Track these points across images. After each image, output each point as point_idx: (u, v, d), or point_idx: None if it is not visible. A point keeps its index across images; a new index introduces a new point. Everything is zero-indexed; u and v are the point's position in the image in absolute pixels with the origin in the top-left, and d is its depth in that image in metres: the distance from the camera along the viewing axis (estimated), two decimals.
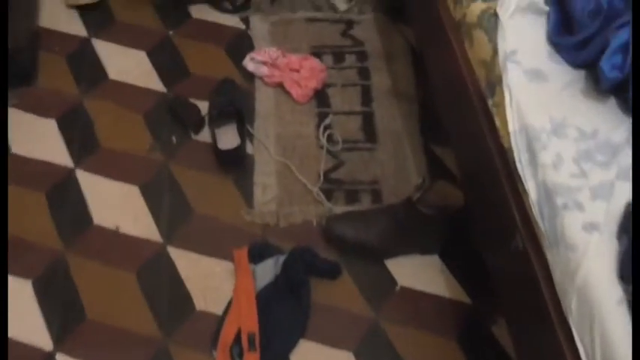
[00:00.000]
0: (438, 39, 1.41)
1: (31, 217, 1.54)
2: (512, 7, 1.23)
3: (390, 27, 1.99)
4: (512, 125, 1.10)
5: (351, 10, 2.02)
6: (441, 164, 1.69)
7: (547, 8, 1.24)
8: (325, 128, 1.73)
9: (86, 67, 1.84)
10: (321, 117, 1.76)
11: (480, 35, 1.24)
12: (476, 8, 1.27)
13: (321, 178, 1.64)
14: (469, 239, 1.46)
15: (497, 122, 1.16)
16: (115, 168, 1.64)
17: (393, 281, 1.49)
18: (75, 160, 1.65)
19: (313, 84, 1.78)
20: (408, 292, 1.48)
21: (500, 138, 1.15)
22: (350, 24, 1.99)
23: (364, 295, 1.47)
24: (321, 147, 1.70)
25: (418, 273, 1.51)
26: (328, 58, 1.89)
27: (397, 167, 1.68)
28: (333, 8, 2.02)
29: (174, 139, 1.70)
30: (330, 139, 1.72)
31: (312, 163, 1.67)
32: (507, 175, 1.14)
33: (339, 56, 1.90)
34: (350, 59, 1.90)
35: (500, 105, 1.15)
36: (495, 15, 1.23)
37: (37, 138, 1.68)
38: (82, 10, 1.96)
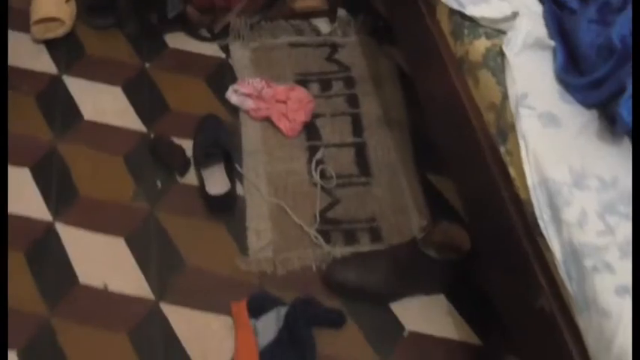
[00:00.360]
0: (437, 74, 1.34)
1: (10, 280, 1.43)
2: (518, 44, 1.16)
3: (375, 49, 1.91)
4: (531, 178, 1.04)
5: (335, 32, 1.94)
6: (440, 196, 1.63)
7: (553, 43, 1.19)
8: (317, 163, 1.66)
9: (58, 107, 1.73)
10: (312, 151, 1.68)
11: (486, 76, 1.18)
12: (480, 46, 1.20)
13: (317, 218, 1.56)
14: (478, 282, 1.41)
15: (512, 172, 1.10)
16: (97, 219, 1.54)
17: (399, 326, 1.43)
18: (53, 213, 1.54)
19: (302, 117, 1.70)
20: (415, 336, 1.42)
21: (515, 189, 1.09)
22: (334, 47, 1.91)
23: (371, 342, 1.41)
24: (315, 184, 1.62)
25: (425, 315, 1.45)
26: (315, 86, 1.81)
27: (394, 202, 1.62)
28: (316, 31, 1.94)
29: (158, 183, 1.61)
30: (323, 174, 1.64)
31: (307, 202, 1.60)
32: (525, 228, 1.08)
33: (325, 83, 1.82)
34: (337, 86, 1.82)
35: (514, 154, 1.09)
36: (501, 54, 1.17)
37: (10, 190, 1.56)
38: (49, 44, 1.84)
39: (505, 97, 1.13)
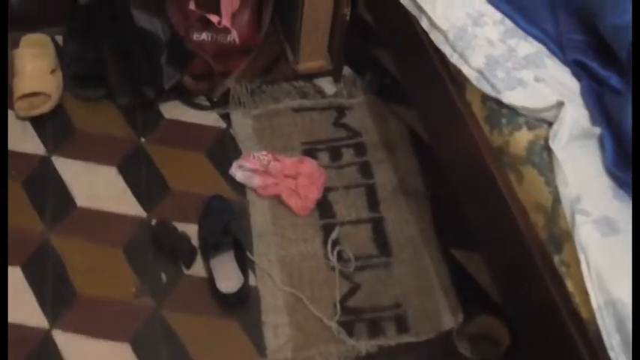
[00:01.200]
0: (469, 158, 1.23)
1: None
2: (565, 137, 1.06)
3: (384, 109, 1.81)
4: (595, 299, 0.93)
5: (340, 93, 1.83)
6: (466, 273, 1.53)
7: (599, 130, 1.09)
8: (334, 244, 1.54)
9: (49, 193, 1.59)
10: (327, 230, 1.57)
11: (531, 173, 1.07)
12: (521, 139, 1.10)
13: (338, 308, 1.44)
14: None
15: (570, 286, 0.99)
16: (98, 322, 1.40)
17: None
18: (50, 319, 1.40)
19: (314, 194, 1.58)
20: None
21: (574, 304, 0.99)
22: (341, 111, 1.80)
23: None
24: (332, 268, 1.51)
25: None
26: (324, 156, 1.70)
27: (419, 283, 1.51)
28: (321, 93, 1.83)
29: (163, 277, 1.47)
30: (340, 257, 1.53)
31: (325, 290, 1.48)
32: (587, 345, 0.98)
33: (335, 152, 1.71)
34: (348, 154, 1.71)
35: (572, 266, 0.98)
36: (547, 148, 1.07)
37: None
38: (35, 121, 1.70)
39: (556, 200, 1.02)
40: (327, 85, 1.85)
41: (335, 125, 1.77)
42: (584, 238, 0.97)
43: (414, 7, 1.37)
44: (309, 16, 1.67)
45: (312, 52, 1.78)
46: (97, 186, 1.61)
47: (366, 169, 1.69)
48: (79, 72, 1.74)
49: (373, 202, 1.63)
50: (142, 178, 1.63)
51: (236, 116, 1.75)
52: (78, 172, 1.63)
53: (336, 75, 1.84)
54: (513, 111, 1.13)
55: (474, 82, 1.20)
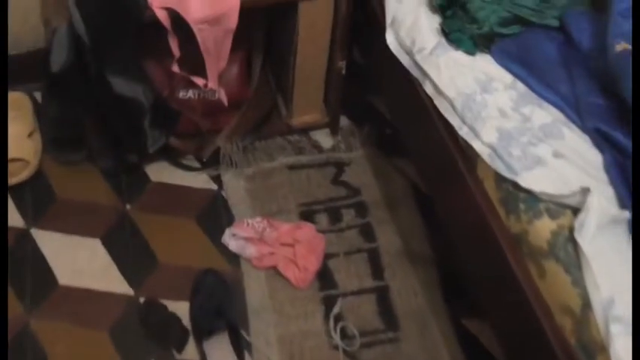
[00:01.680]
0: (484, 248, 1.12)
1: None
2: (592, 227, 0.95)
3: (385, 163, 1.70)
4: None
5: (338, 147, 1.73)
6: (479, 346, 1.42)
7: (628, 214, 0.99)
8: (336, 320, 1.43)
9: (28, 271, 1.47)
10: (328, 303, 1.46)
11: (555, 270, 0.97)
12: (543, 229, 0.99)
13: None
14: None
15: None
16: None
17: None
18: None
19: (314, 264, 1.47)
20: None
21: None
22: (340, 167, 1.69)
23: None
24: (336, 347, 1.40)
25: None
26: (323, 218, 1.59)
27: (429, 359, 1.40)
28: (317, 147, 1.72)
29: None
30: (344, 333, 1.42)
31: None
32: None
33: (334, 213, 1.60)
34: (348, 215, 1.60)
35: None
36: (572, 240, 0.96)
37: None
38: (13, 190, 1.58)
39: (586, 304, 0.91)
40: (323, 138, 1.75)
41: (333, 183, 1.66)
42: (623, 354, 0.86)
43: (417, 70, 1.27)
44: (302, 70, 1.57)
45: (307, 106, 1.68)
46: (80, 261, 1.50)
47: (368, 232, 1.58)
48: (59, 134, 1.63)
49: (377, 269, 1.52)
50: (128, 250, 1.52)
51: (228, 177, 1.64)
52: (59, 245, 1.51)
53: (332, 127, 1.74)
54: (533, 195, 1.03)
55: (487, 159, 1.10)
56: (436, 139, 1.22)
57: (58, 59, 1.31)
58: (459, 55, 1.23)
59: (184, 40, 1.36)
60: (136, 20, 1.30)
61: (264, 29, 1.66)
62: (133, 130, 1.47)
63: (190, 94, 1.58)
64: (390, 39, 1.32)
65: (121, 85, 1.36)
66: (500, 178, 1.08)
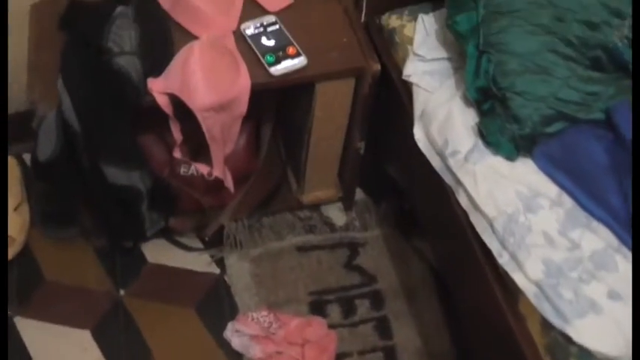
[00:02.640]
0: None
1: None
2: None
3: (404, 246, 1.56)
4: None
5: (352, 225, 1.59)
6: None
7: None
8: None
9: None
10: None
11: None
12: None
13: None
14: None
15: None
16: None
17: None
18: None
19: None
20: None
21: None
22: (354, 248, 1.55)
23: None
24: None
25: None
26: (335, 310, 1.45)
27: None
28: (330, 225, 1.58)
29: None
30: None
31: None
32: None
33: (348, 304, 1.46)
34: (362, 307, 1.46)
35: None
36: None
37: None
38: None
39: None
40: (336, 213, 1.60)
41: (347, 267, 1.52)
42: None
43: (450, 176, 1.12)
44: (317, 148, 1.42)
45: (320, 182, 1.54)
46: (68, 356, 1.36)
47: (384, 327, 1.44)
48: (48, 208, 1.49)
49: None
50: (120, 345, 1.38)
51: (231, 260, 1.50)
52: (45, 337, 1.37)
53: (346, 202, 1.60)
54: (586, 351, 0.89)
55: (532, 299, 0.96)
56: (470, 259, 1.08)
57: (46, 148, 1.17)
58: (498, 162, 1.09)
59: (187, 121, 1.22)
60: (134, 107, 1.17)
61: (276, 100, 1.52)
62: (129, 217, 1.34)
63: (192, 170, 1.44)
64: (419, 134, 1.18)
65: (117, 175, 1.22)
66: (547, 323, 0.94)
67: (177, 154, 1.27)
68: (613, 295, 0.94)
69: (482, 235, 1.05)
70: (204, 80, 1.15)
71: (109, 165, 1.20)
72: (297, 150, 1.49)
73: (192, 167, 1.45)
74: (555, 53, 1.12)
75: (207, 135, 1.21)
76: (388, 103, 1.31)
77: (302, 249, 1.54)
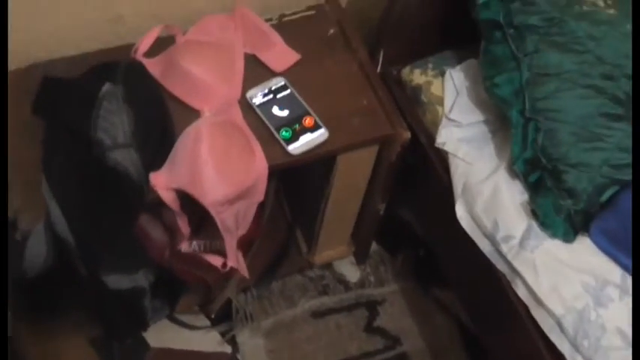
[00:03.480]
0: None
1: None
2: None
3: (425, 300, 1.46)
4: None
5: (367, 280, 1.47)
6: None
7: None
8: None
9: None
10: None
11: None
12: None
13: None
14: None
15: None
16: None
17: None
18: None
19: None
20: None
21: None
22: (372, 307, 1.44)
23: None
24: None
25: None
26: None
27: None
28: (343, 282, 1.46)
29: None
30: None
31: None
32: None
33: None
34: None
35: None
36: None
37: None
38: None
39: None
40: (349, 269, 1.48)
41: (367, 330, 1.41)
42: None
43: (504, 264, 1.01)
44: (332, 213, 1.28)
45: (333, 241, 1.41)
46: None
47: None
48: (35, 300, 1.31)
49: None
50: None
51: (243, 337, 1.36)
52: None
53: (360, 257, 1.48)
54: None
55: None
56: (532, 354, 0.99)
57: (34, 265, 1.00)
58: (556, 246, 0.98)
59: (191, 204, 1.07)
60: (136, 209, 1.00)
61: None
62: (130, 315, 1.18)
63: (195, 245, 1.28)
64: (462, 212, 1.06)
65: (119, 281, 1.05)
66: None
67: (185, 246, 1.11)
68: None
69: (550, 335, 0.94)
70: (217, 170, 0.99)
71: (110, 273, 1.04)
72: (308, 213, 1.35)
73: (195, 243, 1.29)
74: (606, 116, 1.02)
75: (220, 227, 1.06)
76: (417, 168, 1.19)
77: (317, 314, 1.42)
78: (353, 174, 1.19)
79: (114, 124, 1.00)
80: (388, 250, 1.51)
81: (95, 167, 0.97)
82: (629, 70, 1.03)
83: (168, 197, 1.00)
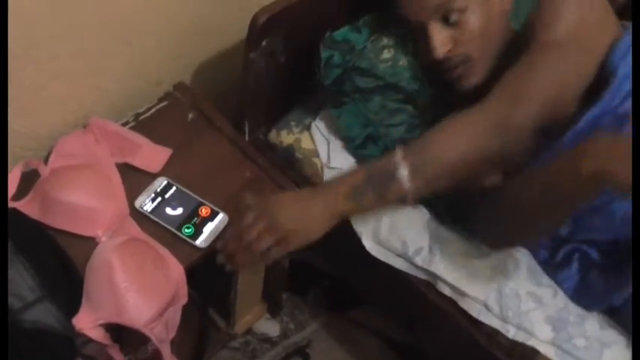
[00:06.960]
0: None
1: None
2: None
3: (346, 327, 1.52)
4: None
5: (288, 329, 1.49)
6: None
7: None
8: None
9: None
10: None
11: None
12: None
13: None
14: None
15: None
16: None
17: None
18: None
19: None
20: None
21: None
22: (303, 353, 1.46)
23: None
24: None
25: None
26: None
27: None
28: (268, 340, 1.47)
29: None
30: None
31: None
32: None
33: None
34: None
35: None
36: None
37: None
38: None
39: None
40: (268, 325, 1.50)
41: None
42: None
43: (423, 274, 1.11)
44: (244, 282, 1.31)
45: (248, 307, 1.43)
46: None
47: None
48: None
49: None
50: None
51: None
52: None
53: (273, 310, 1.51)
54: None
55: (555, 359, 1.02)
56: (466, 344, 1.10)
57: None
58: (456, 242, 1.11)
59: None
60: None
61: None
62: None
63: None
64: (370, 244, 1.13)
65: None
66: None
67: None
68: (612, 325, 1.04)
69: (480, 317, 1.07)
70: (139, 292, 0.98)
71: None
72: (220, 293, 1.35)
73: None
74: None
75: (155, 340, 1.03)
76: None
77: None
78: None
79: (18, 283, 0.94)
80: (296, 293, 1.57)
81: (15, 337, 0.91)
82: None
83: (98, 335, 0.97)
